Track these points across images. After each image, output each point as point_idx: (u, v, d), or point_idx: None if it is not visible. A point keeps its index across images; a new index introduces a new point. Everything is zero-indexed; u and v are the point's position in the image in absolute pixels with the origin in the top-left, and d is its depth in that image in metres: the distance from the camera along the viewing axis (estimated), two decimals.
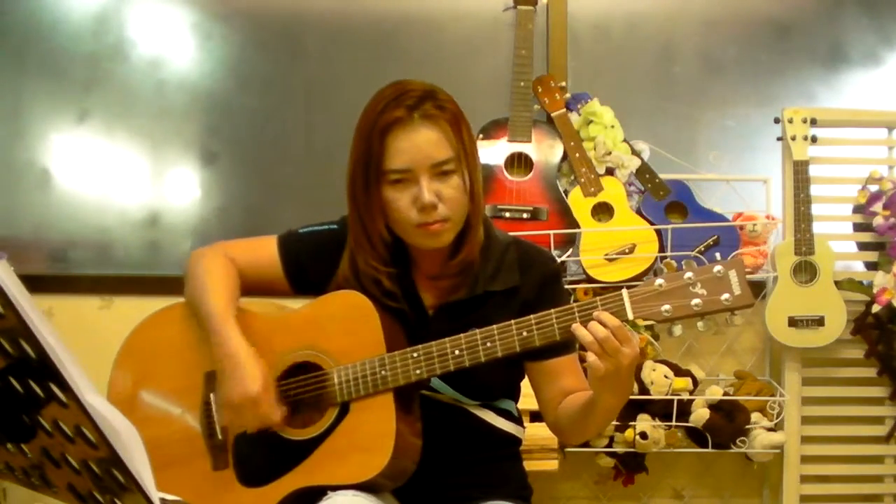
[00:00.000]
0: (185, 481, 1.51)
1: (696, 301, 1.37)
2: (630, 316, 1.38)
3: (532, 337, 1.42)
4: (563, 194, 2.54)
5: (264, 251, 1.63)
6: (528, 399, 1.65)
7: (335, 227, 1.63)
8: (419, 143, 1.44)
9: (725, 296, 1.36)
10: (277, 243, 1.64)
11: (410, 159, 1.44)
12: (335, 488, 1.42)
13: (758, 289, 2.57)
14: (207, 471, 1.53)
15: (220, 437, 1.53)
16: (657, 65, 2.82)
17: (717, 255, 1.41)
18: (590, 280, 2.47)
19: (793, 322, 2.50)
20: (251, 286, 1.63)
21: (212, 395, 1.55)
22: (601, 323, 1.35)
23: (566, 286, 2.40)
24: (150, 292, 2.53)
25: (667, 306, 1.37)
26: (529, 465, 1.73)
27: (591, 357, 1.35)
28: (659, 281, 1.38)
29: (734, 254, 2.49)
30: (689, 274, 1.38)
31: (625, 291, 1.39)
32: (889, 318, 2.52)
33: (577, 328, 1.37)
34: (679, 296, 1.37)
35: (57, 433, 0.89)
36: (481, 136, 2.55)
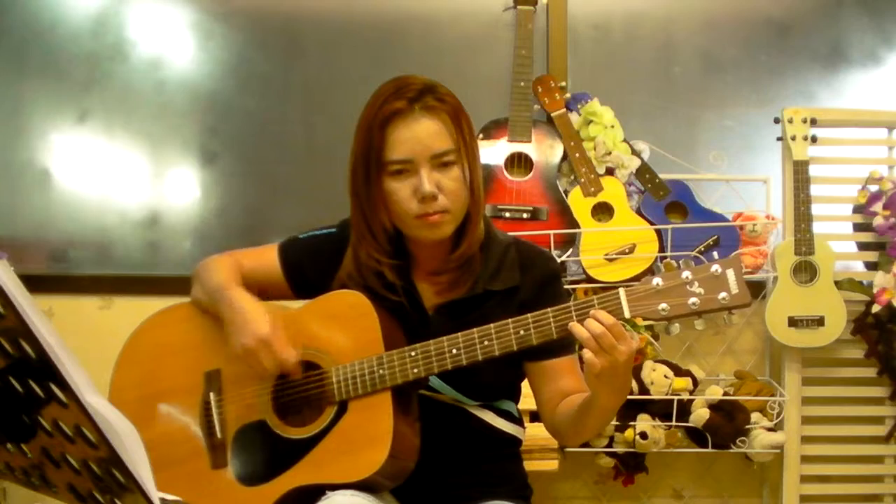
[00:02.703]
0: (184, 480, 1.52)
1: (693, 300, 1.37)
2: (627, 314, 1.38)
3: (529, 335, 1.42)
4: (563, 194, 2.54)
5: (267, 258, 1.66)
6: (528, 399, 1.65)
7: (334, 230, 1.65)
8: (419, 133, 1.45)
9: (722, 294, 1.37)
10: (278, 250, 1.66)
11: (410, 150, 1.45)
12: (333, 487, 1.43)
13: (758, 289, 2.57)
14: (206, 469, 1.53)
15: (219, 436, 1.54)
16: (657, 65, 2.82)
17: (716, 255, 1.41)
18: (590, 280, 2.47)
19: (793, 322, 2.50)
20: (255, 291, 1.64)
21: (211, 395, 1.56)
22: (597, 320, 1.35)
23: (566, 286, 2.41)
24: (150, 292, 2.54)
25: (664, 305, 1.38)
26: (529, 465, 1.73)
27: (587, 354, 1.35)
28: (656, 280, 1.38)
29: (733, 254, 2.49)
30: (686, 273, 1.38)
31: (622, 290, 1.39)
32: (889, 318, 2.52)
33: (574, 325, 1.37)
34: (676, 294, 1.38)
35: (57, 433, 0.89)
36: (481, 136, 2.55)
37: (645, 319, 1.42)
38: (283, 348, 1.48)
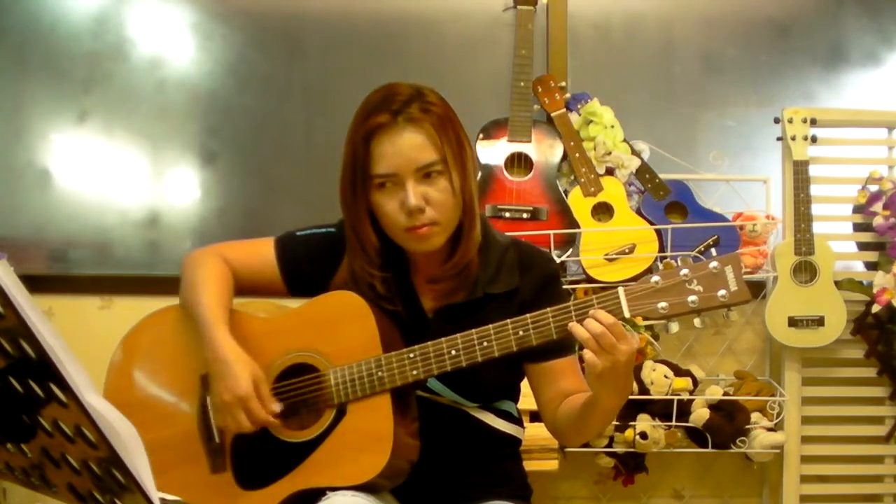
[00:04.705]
0: (183, 485, 1.51)
1: (692, 298, 1.36)
2: (626, 314, 1.37)
3: (529, 336, 1.42)
4: (563, 194, 2.54)
5: (261, 253, 1.63)
6: (528, 399, 1.65)
7: (333, 230, 1.62)
8: (403, 147, 1.44)
9: (722, 292, 1.36)
10: (275, 245, 1.63)
11: (395, 164, 1.44)
12: (334, 490, 1.42)
13: (758, 289, 2.57)
14: (206, 474, 1.52)
15: (217, 439, 1.53)
16: (657, 65, 2.82)
17: (714, 252, 1.41)
18: (590, 280, 2.47)
19: (793, 322, 2.50)
20: (247, 287, 1.62)
21: (208, 398, 1.55)
22: (597, 320, 1.35)
23: (566, 286, 2.41)
24: (150, 292, 2.53)
25: (663, 303, 1.37)
26: (529, 465, 1.73)
27: (587, 354, 1.35)
28: (655, 278, 1.38)
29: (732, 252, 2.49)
30: (685, 270, 1.37)
31: (621, 289, 1.38)
32: (889, 318, 2.52)
33: (574, 326, 1.36)
34: (675, 293, 1.37)
35: (57, 433, 0.89)
36: (481, 136, 2.55)
37: (645, 319, 1.41)
38: (260, 408, 1.44)
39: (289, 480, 1.47)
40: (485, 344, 1.43)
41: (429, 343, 1.45)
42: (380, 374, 1.45)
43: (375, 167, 1.45)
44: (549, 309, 1.41)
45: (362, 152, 1.45)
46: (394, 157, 1.44)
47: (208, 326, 1.49)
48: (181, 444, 1.54)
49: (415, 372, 1.45)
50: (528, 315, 1.42)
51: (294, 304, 1.60)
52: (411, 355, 1.45)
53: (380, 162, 1.45)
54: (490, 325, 1.43)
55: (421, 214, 1.45)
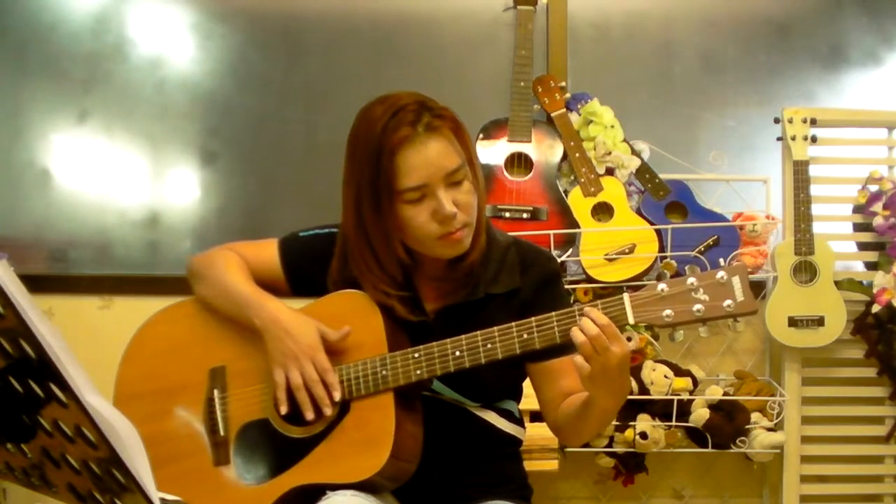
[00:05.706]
0: (186, 477, 1.52)
1: (697, 307, 1.36)
2: (631, 320, 1.37)
3: (532, 339, 1.42)
4: (563, 194, 2.54)
5: (265, 253, 1.64)
6: (528, 399, 1.65)
7: (336, 230, 1.62)
8: (430, 157, 1.43)
9: (728, 302, 1.35)
10: (278, 246, 1.65)
11: (425, 175, 1.43)
12: (334, 486, 1.42)
13: (758, 289, 2.57)
14: (208, 466, 1.54)
15: (222, 433, 1.54)
16: (657, 65, 2.82)
17: (722, 262, 1.40)
18: (590, 280, 2.47)
19: (793, 322, 2.50)
20: None
21: (215, 392, 1.57)
22: (591, 319, 1.34)
23: (566, 286, 2.41)
24: (150, 292, 2.54)
25: (668, 311, 1.36)
26: (529, 465, 1.73)
27: (577, 358, 1.35)
28: (661, 286, 1.37)
29: (734, 254, 2.49)
30: (691, 279, 1.36)
31: (626, 296, 1.38)
32: (889, 318, 2.52)
33: (575, 331, 1.36)
34: (681, 301, 1.36)
35: (57, 433, 0.90)
36: (481, 136, 2.55)
37: (649, 326, 1.41)
38: (326, 360, 1.47)
39: (290, 475, 1.47)
40: (488, 346, 1.43)
41: (433, 343, 1.46)
42: (384, 372, 1.46)
43: (404, 181, 1.43)
44: (553, 314, 1.41)
45: (387, 168, 1.43)
46: (423, 168, 1.42)
47: (252, 297, 1.53)
48: (186, 436, 1.56)
49: (418, 372, 1.45)
50: (532, 318, 1.42)
51: (299, 303, 1.61)
52: (416, 355, 1.46)
53: (409, 175, 1.43)
54: (495, 328, 1.43)
55: (454, 220, 1.45)
